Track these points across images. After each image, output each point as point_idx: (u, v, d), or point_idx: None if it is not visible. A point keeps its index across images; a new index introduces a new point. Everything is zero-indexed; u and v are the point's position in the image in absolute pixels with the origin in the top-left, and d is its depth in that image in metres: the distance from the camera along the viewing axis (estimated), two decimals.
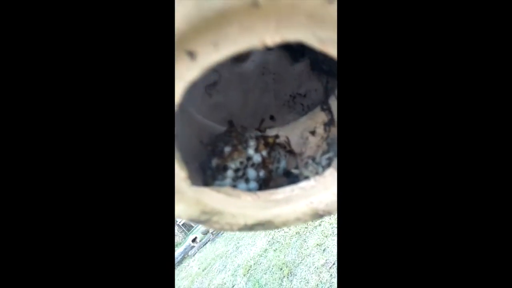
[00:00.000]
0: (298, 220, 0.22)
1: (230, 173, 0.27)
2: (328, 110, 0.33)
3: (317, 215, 0.22)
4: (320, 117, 0.34)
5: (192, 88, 0.49)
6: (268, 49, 0.48)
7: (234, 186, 0.26)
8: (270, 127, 0.37)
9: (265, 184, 0.28)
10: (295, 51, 0.48)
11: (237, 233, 1.86)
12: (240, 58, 0.49)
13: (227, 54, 0.18)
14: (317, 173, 0.23)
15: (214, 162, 0.27)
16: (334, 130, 0.30)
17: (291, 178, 0.26)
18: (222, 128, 0.38)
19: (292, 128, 0.36)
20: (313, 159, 0.25)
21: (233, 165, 0.27)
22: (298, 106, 0.47)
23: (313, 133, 0.33)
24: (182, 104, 0.20)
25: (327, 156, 0.23)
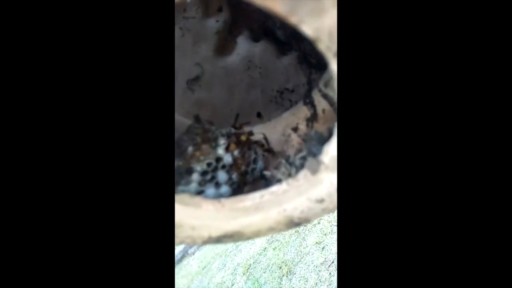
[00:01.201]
0: (271, 229, 0.19)
1: (195, 176, 0.24)
2: (310, 104, 0.31)
3: (293, 224, 0.19)
4: (302, 112, 0.31)
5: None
6: (254, 41, 0.46)
7: (202, 192, 0.23)
8: (248, 123, 0.35)
9: (239, 188, 0.25)
10: (282, 44, 0.45)
11: None
12: (224, 51, 0.46)
13: None
14: (289, 175, 0.20)
15: (176, 163, 0.25)
16: (317, 126, 0.28)
17: (268, 181, 0.23)
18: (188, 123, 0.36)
19: (273, 124, 0.34)
20: (287, 159, 0.22)
21: (198, 167, 0.25)
22: (286, 102, 0.45)
23: (295, 129, 0.30)
24: None
25: (300, 155, 0.20)
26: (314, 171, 0.19)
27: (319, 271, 1.38)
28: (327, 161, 0.19)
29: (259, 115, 0.45)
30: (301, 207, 0.19)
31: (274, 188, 0.20)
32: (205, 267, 1.97)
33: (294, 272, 1.51)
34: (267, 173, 0.22)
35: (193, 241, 0.19)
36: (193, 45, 0.44)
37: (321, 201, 0.19)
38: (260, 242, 1.78)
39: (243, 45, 0.46)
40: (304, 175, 0.19)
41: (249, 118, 0.41)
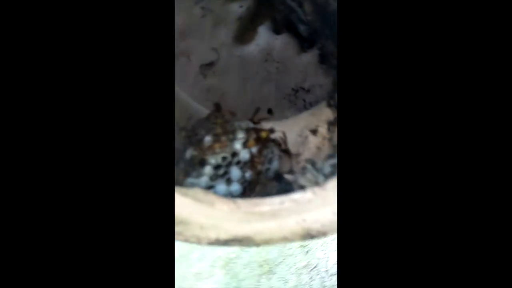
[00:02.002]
0: (284, 239, 0.18)
1: (208, 169, 0.22)
2: (335, 107, 0.29)
3: (309, 236, 0.18)
4: (324, 114, 0.29)
5: (185, 64, 0.44)
6: (276, 33, 0.44)
7: (212, 187, 0.21)
8: (266, 119, 0.33)
9: (250, 187, 0.23)
10: (304, 40, 0.43)
11: None
12: (243, 39, 0.44)
13: None
14: (316, 183, 0.18)
15: (189, 153, 0.23)
16: None
17: (282, 184, 0.22)
18: (207, 112, 0.33)
19: (290, 124, 0.32)
20: (313, 163, 0.20)
21: (213, 160, 0.23)
22: (300, 101, 0.43)
23: (314, 132, 0.28)
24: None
25: (331, 162, 0.18)
26: None
27: (300, 274, 1.39)
28: None
29: (269, 111, 0.44)
30: (323, 220, 0.17)
31: (297, 196, 0.18)
32: (184, 255, 1.97)
33: (275, 272, 1.52)
34: (289, 177, 0.20)
35: (198, 240, 0.17)
36: (212, 28, 0.42)
37: None
38: None
39: (263, 36, 0.44)
40: (334, 186, 0.17)
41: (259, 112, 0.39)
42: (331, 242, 1.29)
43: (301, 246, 1.46)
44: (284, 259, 1.42)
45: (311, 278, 1.22)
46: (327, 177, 0.18)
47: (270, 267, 1.39)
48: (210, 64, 0.44)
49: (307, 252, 1.38)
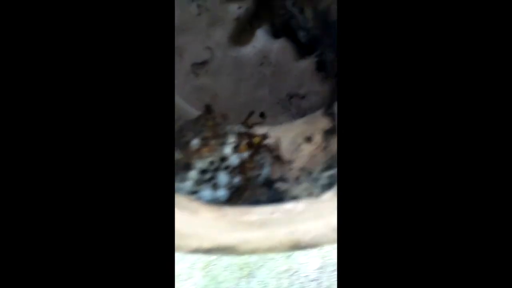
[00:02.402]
0: (271, 250, 0.17)
1: (193, 174, 0.21)
2: (332, 116, 0.28)
3: (297, 247, 0.17)
4: (320, 122, 0.29)
5: (176, 61, 0.42)
6: (274, 37, 0.43)
7: (195, 192, 0.20)
8: (259, 123, 0.32)
9: (238, 193, 0.22)
10: (303, 46, 0.43)
11: None
12: (239, 40, 0.44)
13: None
14: (311, 194, 0.17)
15: (175, 155, 0.21)
16: (334, 142, 0.25)
17: (272, 191, 0.21)
18: (197, 113, 0.32)
19: (284, 130, 0.31)
20: (309, 173, 0.19)
21: (199, 164, 0.21)
22: (294, 108, 0.43)
23: (308, 139, 0.27)
24: None
25: (329, 173, 0.18)
26: None
27: (280, 278, 1.39)
28: None
29: (262, 115, 0.43)
30: (315, 232, 0.17)
31: (289, 206, 0.18)
32: None
33: (255, 275, 1.51)
34: (281, 185, 0.19)
35: (178, 248, 0.16)
36: (207, 27, 0.41)
37: None
38: None
39: (261, 39, 0.43)
40: (330, 198, 0.16)
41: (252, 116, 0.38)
42: (313, 248, 1.30)
43: None
44: (265, 263, 1.41)
45: (290, 283, 1.22)
46: (323, 188, 0.17)
47: (250, 270, 1.38)
48: (203, 63, 0.43)
49: (288, 256, 1.38)
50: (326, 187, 0.17)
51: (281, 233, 0.17)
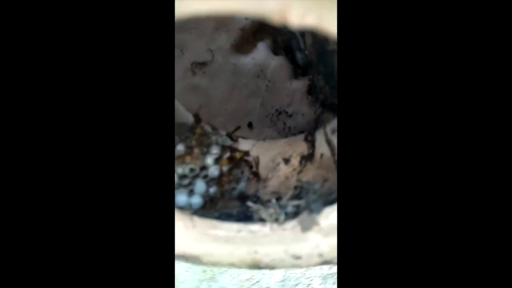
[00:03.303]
0: (231, 265, 0.18)
1: None
2: (311, 143, 0.30)
3: (256, 267, 0.18)
4: (300, 147, 0.30)
5: (177, 56, 0.43)
6: (273, 53, 0.45)
7: None
8: (243, 137, 0.33)
9: (211, 203, 0.23)
10: (299, 68, 0.45)
11: None
12: (241, 49, 0.45)
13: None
14: (276, 220, 0.18)
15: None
16: (310, 170, 0.27)
17: (244, 207, 0.22)
18: (187, 116, 0.33)
19: (266, 147, 0.32)
20: (279, 199, 0.21)
21: (180, 169, 0.22)
22: (281, 123, 0.44)
23: (286, 161, 0.29)
24: None
25: (296, 203, 0.19)
26: (306, 229, 0.17)
27: (242, 286, 1.38)
28: (324, 225, 0.17)
29: (250, 125, 0.44)
30: (274, 255, 0.17)
31: (255, 228, 0.18)
32: None
33: (217, 280, 1.49)
34: (252, 205, 0.20)
35: None
36: (213, 30, 0.42)
37: (297, 257, 0.18)
38: None
39: (261, 52, 0.45)
40: (292, 227, 0.18)
41: (239, 123, 0.39)
42: None
43: None
44: (228, 269, 1.41)
45: None
46: (288, 216, 0.18)
47: (213, 275, 1.37)
48: (203, 64, 0.43)
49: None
50: (291, 215, 0.18)
51: (244, 251, 0.18)
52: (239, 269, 0.18)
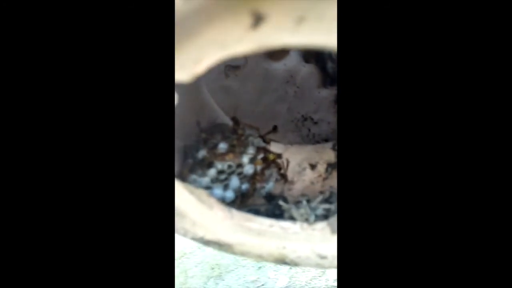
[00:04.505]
0: (259, 257, 0.19)
1: (212, 172, 0.23)
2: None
3: (282, 261, 0.19)
4: (327, 154, 0.31)
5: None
6: (304, 61, 0.45)
7: (209, 188, 0.22)
8: (275, 141, 0.34)
9: (243, 199, 0.25)
10: (328, 77, 0.45)
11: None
12: (273, 55, 0.46)
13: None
14: (306, 220, 0.20)
15: (202, 153, 0.24)
16: (336, 178, 0.27)
17: (271, 205, 0.23)
18: (226, 119, 0.34)
19: (294, 151, 0.33)
20: (309, 201, 0.22)
21: (220, 165, 0.24)
22: (305, 130, 0.45)
23: (313, 167, 0.30)
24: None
25: (326, 206, 0.20)
26: (334, 230, 0.18)
27: (247, 287, 1.38)
28: None
29: (275, 128, 0.45)
30: (301, 253, 0.19)
31: (287, 225, 0.20)
32: None
33: (223, 278, 1.50)
34: (284, 204, 0.21)
35: (184, 233, 0.18)
36: None
37: (323, 257, 0.19)
38: None
39: (293, 59, 0.46)
40: (322, 228, 0.19)
41: (266, 126, 0.41)
42: (284, 267, 1.30)
43: (256, 261, 1.46)
44: (236, 268, 1.41)
45: None
46: (317, 218, 0.19)
47: (220, 272, 1.38)
48: (236, 67, 0.45)
49: (259, 268, 1.39)
50: (321, 217, 0.19)
51: (273, 245, 0.19)
52: (266, 261, 0.19)
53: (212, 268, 1.38)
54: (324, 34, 0.15)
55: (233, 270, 1.40)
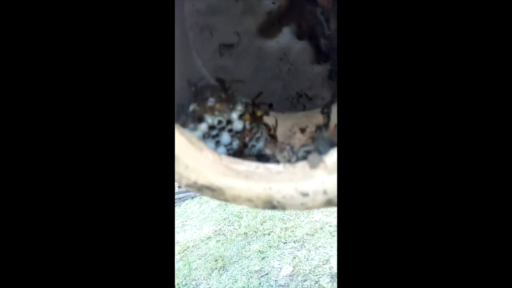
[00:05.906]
0: (249, 201, 0.20)
1: (203, 126, 0.24)
2: (327, 114, 0.31)
3: (270, 205, 0.20)
4: (316, 118, 0.32)
5: (207, 38, 0.45)
6: (297, 38, 0.46)
7: None
8: (264, 104, 0.35)
9: (234, 156, 0.25)
10: (321, 53, 0.46)
11: (188, 210, 1.84)
12: (266, 33, 0.46)
13: None
14: (289, 161, 0.20)
15: (192, 107, 0.25)
16: (324, 134, 0.28)
17: (262, 160, 0.24)
18: (216, 84, 0.35)
19: (285, 118, 0.34)
20: (292, 147, 0.23)
21: (210, 120, 0.25)
22: (300, 106, 0.45)
23: (303, 130, 0.31)
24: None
25: (306, 148, 0.21)
26: (313, 165, 0.19)
27: (251, 277, 1.39)
28: (329, 163, 0.19)
29: (270, 106, 0.46)
30: (285, 192, 0.20)
31: (271, 166, 0.21)
32: None
33: (227, 269, 1.51)
34: (267, 151, 0.22)
35: (179, 180, 0.19)
36: (241, 14, 0.44)
37: (304, 195, 0.20)
38: (207, 230, 1.78)
39: (285, 36, 0.46)
40: (302, 166, 0.20)
41: (261, 105, 0.41)
42: (288, 254, 1.30)
43: (259, 251, 1.47)
44: (239, 259, 1.42)
45: (260, 283, 1.23)
46: (299, 159, 0.20)
47: (224, 264, 1.39)
48: (230, 46, 0.45)
49: (263, 258, 1.40)
50: (301, 158, 0.20)
51: (260, 187, 0.20)
52: (254, 207, 0.20)
53: (216, 260, 1.40)
54: None
55: (236, 261, 1.41)
